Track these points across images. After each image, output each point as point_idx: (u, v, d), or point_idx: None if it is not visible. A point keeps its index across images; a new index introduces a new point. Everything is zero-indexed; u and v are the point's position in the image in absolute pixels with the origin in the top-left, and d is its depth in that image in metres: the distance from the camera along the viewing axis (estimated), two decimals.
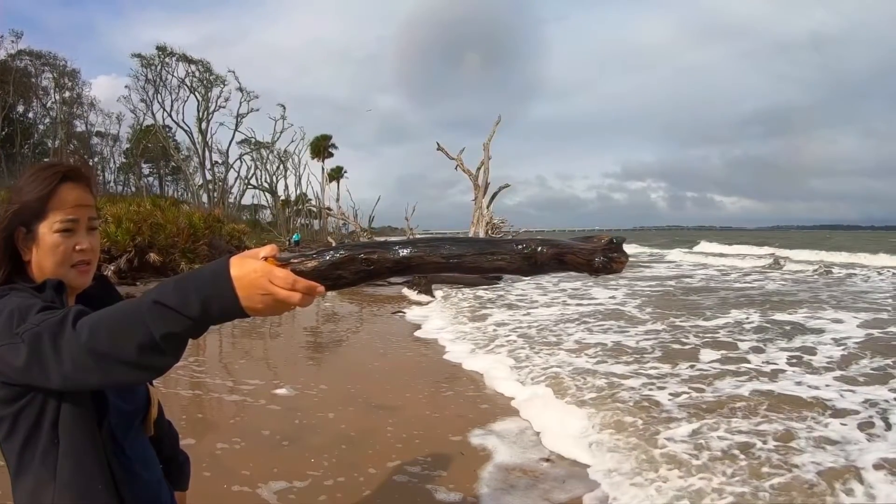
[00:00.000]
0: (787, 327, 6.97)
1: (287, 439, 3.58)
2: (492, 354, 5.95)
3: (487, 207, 21.94)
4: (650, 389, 4.30)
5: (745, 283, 13.88)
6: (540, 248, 0.77)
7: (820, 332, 6.68)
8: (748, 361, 5.18)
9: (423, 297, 11.19)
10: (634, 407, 3.88)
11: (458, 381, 5.09)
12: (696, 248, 33.09)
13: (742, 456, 3.01)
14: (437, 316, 8.95)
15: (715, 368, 4.92)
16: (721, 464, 2.93)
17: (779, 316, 7.89)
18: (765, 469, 2.86)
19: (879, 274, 15.56)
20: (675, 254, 28.34)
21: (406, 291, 12.14)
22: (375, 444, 3.52)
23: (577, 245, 0.79)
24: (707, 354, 5.48)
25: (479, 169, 22.32)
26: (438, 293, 11.59)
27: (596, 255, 0.78)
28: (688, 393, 4.20)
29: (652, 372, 4.82)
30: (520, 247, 0.77)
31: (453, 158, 22.82)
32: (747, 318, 7.68)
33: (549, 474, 3.09)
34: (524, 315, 8.45)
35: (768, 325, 7.14)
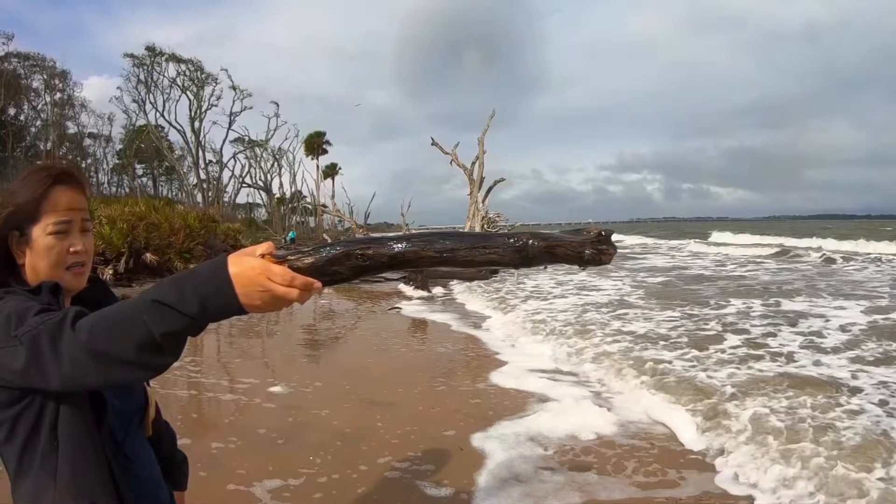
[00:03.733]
0: (791, 315, 7.26)
1: (282, 437, 3.59)
2: (542, 342, 6.28)
3: (483, 202, 21.93)
4: (697, 371, 4.70)
5: (758, 272, 14.16)
6: (531, 242, 0.79)
7: (826, 318, 7.03)
8: (769, 346, 5.58)
9: (419, 293, 11.20)
10: (693, 387, 4.26)
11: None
12: (710, 239, 33.97)
13: (801, 426, 3.38)
14: (475, 305, 9.48)
15: (742, 353, 5.32)
16: (790, 433, 3.29)
17: (788, 305, 8.20)
18: (822, 438, 3.20)
19: (877, 266, 15.71)
20: (693, 245, 29.21)
21: (402, 287, 12.15)
22: (371, 441, 3.52)
23: (567, 238, 0.81)
24: (730, 340, 5.86)
25: (473, 163, 22.28)
26: (457, 288, 11.88)
27: (585, 248, 0.80)
28: (731, 374, 4.58)
29: (689, 356, 5.24)
30: (511, 240, 0.79)
31: (448, 153, 22.79)
32: (757, 307, 8.01)
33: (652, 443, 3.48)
34: (549, 305, 8.82)
35: (779, 313, 7.45)
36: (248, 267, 0.72)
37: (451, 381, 4.88)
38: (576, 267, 0.84)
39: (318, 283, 0.74)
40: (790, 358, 5.09)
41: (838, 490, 2.68)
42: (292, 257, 0.75)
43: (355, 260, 0.76)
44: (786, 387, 4.14)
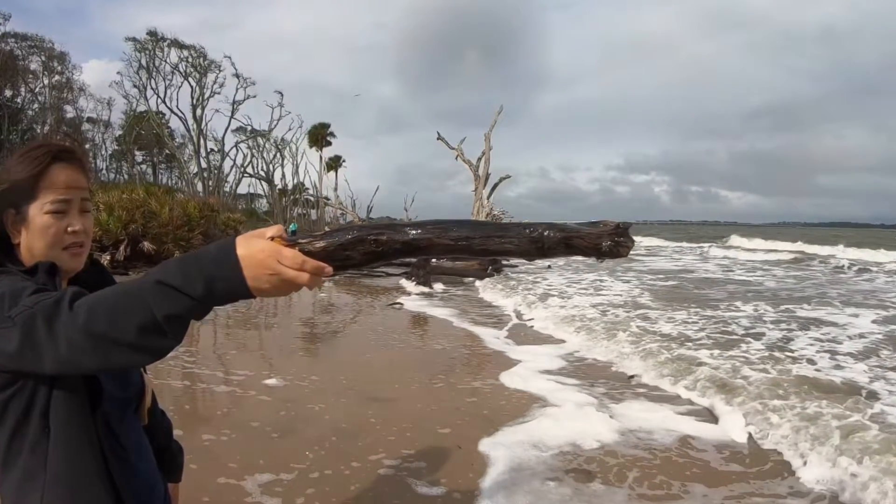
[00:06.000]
0: (812, 321, 7.53)
1: (276, 431, 3.57)
2: (576, 338, 6.50)
3: (488, 198, 21.89)
4: (730, 373, 4.81)
5: (766, 279, 14.39)
6: (547, 233, 0.77)
7: (843, 326, 7.31)
8: (791, 350, 5.81)
9: (421, 288, 11.18)
10: (731, 387, 4.41)
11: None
12: (729, 244, 34.90)
13: (835, 423, 3.54)
14: (499, 301, 9.74)
15: (765, 354, 5.59)
16: (830, 430, 3.46)
17: (803, 311, 8.40)
18: (855, 434, 3.37)
19: (890, 276, 15.76)
20: (714, 250, 29.68)
21: (404, 282, 12.11)
22: (366, 437, 3.49)
23: (585, 229, 0.79)
24: (753, 343, 6.05)
25: (479, 159, 22.27)
26: (478, 284, 12.07)
27: (603, 240, 0.78)
28: (760, 375, 4.74)
29: (721, 357, 5.44)
30: (527, 230, 0.78)
31: (453, 149, 22.78)
32: (776, 311, 8.25)
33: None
34: (571, 302, 9.04)
35: (793, 318, 7.67)
36: (257, 249, 0.70)
37: (451, 379, 4.86)
38: (589, 261, 0.83)
39: (329, 268, 0.72)
40: (813, 362, 5.37)
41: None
42: (303, 241, 0.73)
43: (368, 245, 0.75)
44: (811, 388, 4.33)
